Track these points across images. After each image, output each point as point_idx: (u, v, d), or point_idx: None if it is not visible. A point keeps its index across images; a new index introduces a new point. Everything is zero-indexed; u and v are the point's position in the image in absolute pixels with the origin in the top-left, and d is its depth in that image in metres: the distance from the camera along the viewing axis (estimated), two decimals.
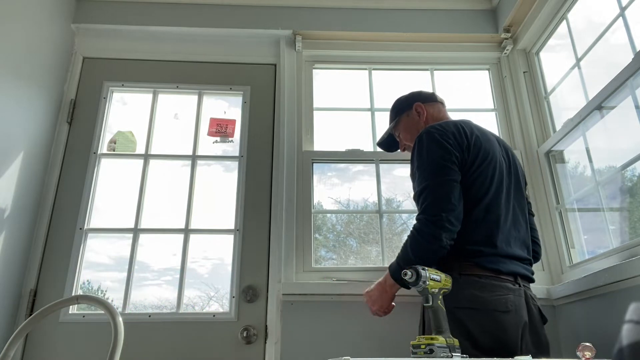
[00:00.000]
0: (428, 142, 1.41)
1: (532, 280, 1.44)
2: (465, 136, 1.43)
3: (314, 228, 2.02)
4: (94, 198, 2.05)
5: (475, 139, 1.43)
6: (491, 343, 1.23)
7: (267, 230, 2.00)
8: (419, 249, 1.31)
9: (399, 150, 1.81)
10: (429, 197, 1.33)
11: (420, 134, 1.46)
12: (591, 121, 1.75)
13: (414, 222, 1.36)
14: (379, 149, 2.15)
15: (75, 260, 1.92)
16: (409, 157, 2.14)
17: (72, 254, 1.92)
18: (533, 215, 1.63)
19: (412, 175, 1.46)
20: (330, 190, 2.15)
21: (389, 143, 1.79)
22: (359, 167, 2.19)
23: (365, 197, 2.15)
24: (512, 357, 1.20)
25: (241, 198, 2.04)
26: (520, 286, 1.34)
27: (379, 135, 2.12)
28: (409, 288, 1.39)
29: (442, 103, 1.71)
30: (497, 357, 1.17)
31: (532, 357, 1.23)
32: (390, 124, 1.75)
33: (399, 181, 2.17)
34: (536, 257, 1.57)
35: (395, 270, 1.37)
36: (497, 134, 2.21)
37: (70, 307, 1.84)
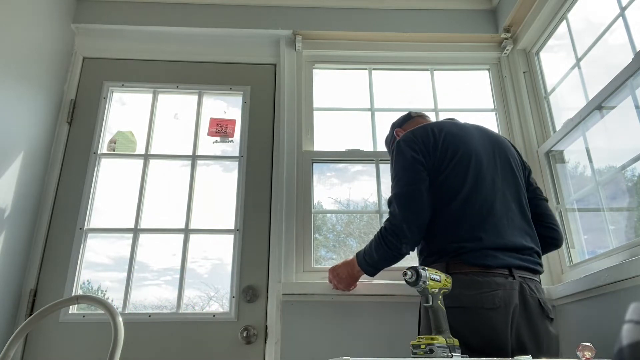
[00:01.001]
0: (396, 153, 1.50)
1: (535, 271, 1.37)
2: (433, 136, 1.47)
3: (314, 228, 2.02)
4: (94, 198, 2.04)
5: (444, 137, 1.47)
6: (480, 341, 1.21)
7: (267, 230, 1.99)
8: (382, 253, 1.44)
9: None
10: (395, 209, 1.42)
11: (393, 145, 1.54)
12: (591, 121, 1.75)
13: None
14: (379, 149, 2.16)
15: (75, 260, 1.92)
16: None
17: (72, 254, 1.92)
18: (546, 201, 1.58)
19: None
20: (330, 190, 2.15)
21: None
22: (358, 167, 2.19)
23: (365, 197, 2.15)
24: (503, 354, 1.20)
25: (241, 198, 2.04)
26: (514, 278, 1.29)
27: (379, 135, 2.13)
28: (372, 275, 1.53)
29: (420, 116, 1.77)
30: (487, 355, 1.16)
31: (529, 352, 1.23)
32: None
33: None
34: (554, 242, 1.53)
35: (362, 262, 1.52)
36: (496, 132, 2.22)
37: (70, 307, 1.84)
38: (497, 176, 1.44)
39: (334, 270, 1.66)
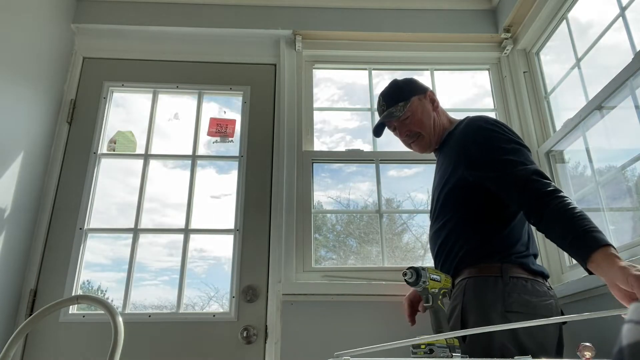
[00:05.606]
0: (505, 131, 1.39)
1: None
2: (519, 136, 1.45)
3: (314, 228, 2.02)
4: (94, 198, 2.04)
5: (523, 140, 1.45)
6: (535, 349, 1.21)
7: (267, 230, 1.99)
8: (587, 218, 1.13)
9: (383, 138, 1.70)
10: (550, 181, 1.23)
11: (486, 123, 1.41)
12: (591, 121, 1.75)
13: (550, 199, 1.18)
14: (379, 149, 2.16)
15: (75, 260, 1.92)
16: (408, 157, 2.15)
17: (72, 254, 1.92)
18: None
19: (487, 163, 1.34)
20: (331, 190, 2.15)
21: (379, 126, 1.63)
22: (353, 167, 2.19)
23: (365, 198, 2.15)
24: None
25: (241, 198, 2.04)
26: (551, 289, 1.34)
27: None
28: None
29: None
30: None
31: (552, 357, 1.22)
32: (394, 104, 1.56)
33: (393, 182, 2.17)
34: None
35: (603, 239, 1.07)
36: None
37: (70, 307, 1.84)
38: None
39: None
